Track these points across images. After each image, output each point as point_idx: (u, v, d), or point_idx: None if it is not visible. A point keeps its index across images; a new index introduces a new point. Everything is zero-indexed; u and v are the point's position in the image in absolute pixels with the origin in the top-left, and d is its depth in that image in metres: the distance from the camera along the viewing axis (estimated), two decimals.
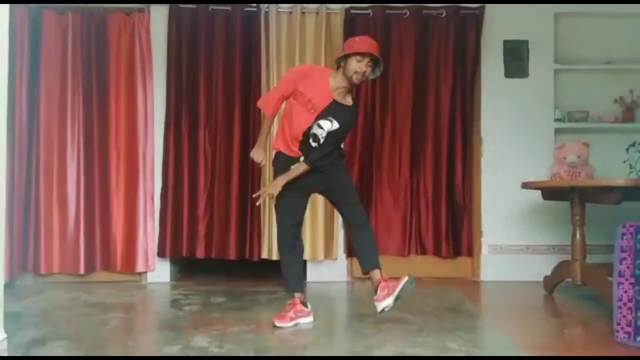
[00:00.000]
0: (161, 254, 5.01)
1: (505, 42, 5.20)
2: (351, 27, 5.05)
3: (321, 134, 3.39)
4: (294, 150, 3.47)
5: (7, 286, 4.52)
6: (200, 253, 5.03)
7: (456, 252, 5.19)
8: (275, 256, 4.92)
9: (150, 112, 5.03)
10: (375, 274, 3.47)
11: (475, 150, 5.24)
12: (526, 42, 5.19)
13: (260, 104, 3.63)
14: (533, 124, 5.17)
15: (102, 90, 4.98)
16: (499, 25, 5.18)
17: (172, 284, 5.03)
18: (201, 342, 3.07)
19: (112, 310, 3.94)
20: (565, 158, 4.48)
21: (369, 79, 3.46)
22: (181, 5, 4.98)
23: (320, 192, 3.72)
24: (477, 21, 5.11)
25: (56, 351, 2.92)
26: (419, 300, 4.12)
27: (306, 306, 3.57)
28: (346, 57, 3.35)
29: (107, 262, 5.00)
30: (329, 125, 3.38)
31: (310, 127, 3.39)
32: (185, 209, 5.02)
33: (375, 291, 3.42)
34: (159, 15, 5.02)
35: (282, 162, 3.52)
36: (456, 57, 5.13)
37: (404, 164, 5.14)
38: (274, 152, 3.63)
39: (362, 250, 3.56)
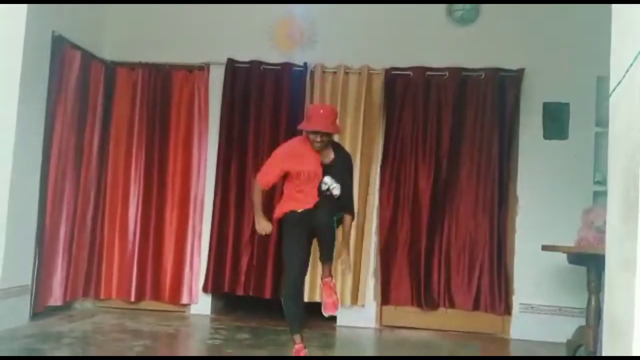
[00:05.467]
0: (204, 289, 5.46)
1: (546, 104, 5.26)
2: (391, 87, 5.35)
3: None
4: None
5: (66, 308, 5.21)
6: (239, 290, 5.42)
7: (487, 308, 5.22)
8: (307, 298, 5.21)
9: (204, 159, 5.56)
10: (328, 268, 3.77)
11: (510, 209, 5.29)
12: (567, 104, 5.23)
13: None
14: (571, 186, 5.14)
15: (163, 137, 5.58)
16: (539, 87, 5.25)
17: (211, 317, 5.44)
18: None
19: (143, 338, 4.39)
20: (592, 223, 4.43)
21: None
22: (237, 65, 5.50)
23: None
24: (517, 83, 5.23)
25: None
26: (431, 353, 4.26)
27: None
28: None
29: (157, 292, 5.51)
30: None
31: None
32: (229, 250, 5.44)
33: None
34: (217, 72, 5.56)
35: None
36: (494, 117, 5.26)
37: (438, 219, 5.29)
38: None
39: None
